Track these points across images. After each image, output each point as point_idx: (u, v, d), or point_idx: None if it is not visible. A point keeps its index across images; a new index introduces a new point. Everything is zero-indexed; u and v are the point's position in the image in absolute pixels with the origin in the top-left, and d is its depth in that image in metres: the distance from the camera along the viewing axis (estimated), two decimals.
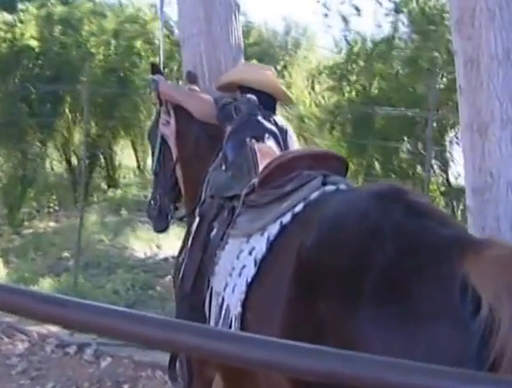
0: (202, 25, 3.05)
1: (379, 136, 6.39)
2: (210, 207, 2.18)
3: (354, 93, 7.03)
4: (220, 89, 2.81)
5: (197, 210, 2.29)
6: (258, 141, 2.29)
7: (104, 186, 10.53)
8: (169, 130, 2.72)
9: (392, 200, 1.57)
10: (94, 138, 9.21)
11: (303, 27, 12.76)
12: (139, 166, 11.98)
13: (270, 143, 2.32)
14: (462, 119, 2.55)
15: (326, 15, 11.76)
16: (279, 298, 1.63)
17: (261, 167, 2.10)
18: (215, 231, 2.10)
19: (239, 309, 1.79)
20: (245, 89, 2.69)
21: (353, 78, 7.17)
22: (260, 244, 1.82)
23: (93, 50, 9.38)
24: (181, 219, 2.83)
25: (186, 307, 2.14)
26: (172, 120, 2.73)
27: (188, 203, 2.60)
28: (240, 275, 1.84)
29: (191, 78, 2.91)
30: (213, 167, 2.35)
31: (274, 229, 1.81)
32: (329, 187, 1.85)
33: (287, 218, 1.81)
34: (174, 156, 2.71)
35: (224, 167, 2.25)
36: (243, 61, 3.22)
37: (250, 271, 1.80)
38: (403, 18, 8.93)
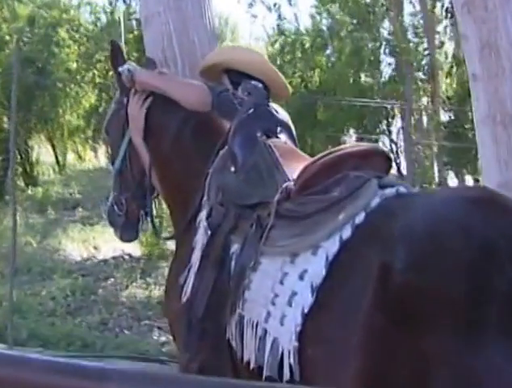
0: (169, 0, 2.59)
1: (322, 127, 6.18)
2: (222, 217, 1.78)
3: (294, 84, 6.77)
4: (200, 74, 2.39)
5: (201, 221, 1.88)
6: (269, 135, 1.92)
7: (21, 184, 9.71)
8: (136, 123, 2.23)
9: (493, 208, 1.30)
10: (8, 133, 8.40)
11: (225, 17, 12.45)
12: (58, 163, 11.22)
13: (283, 137, 1.95)
14: (478, 109, 2.32)
15: (251, 5, 11.50)
16: (355, 331, 1.34)
17: (286, 168, 1.74)
18: (236, 247, 1.71)
19: (295, 343, 1.45)
20: (233, 74, 2.30)
21: (291, 69, 6.91)
22: (315, 266, 1.48)
23: (6, 38, 8.55)
24: (169, 238, 2.39)
25: (197, 334, 1.75)
26: (139, 110, 2.23)
27: (177, 213, 2.15)
28: (290, 304, 1.49)
29: (151, 67, 2.43)
30: (215, 168, 1.93)
31: (332, 246, 1.47)
32: (389, 191, 1.53)
33: (346, 232, 1.48)
34: (144, 155, 2.23)
35: (233, 169, 1.85)
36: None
37: (306, 299, 1.46)
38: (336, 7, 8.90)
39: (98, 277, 5.98)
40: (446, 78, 10.77)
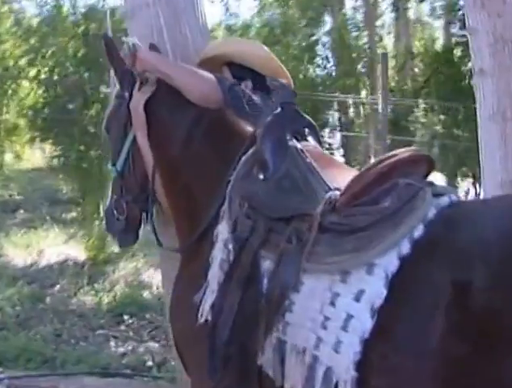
0: None
1: None
2: (250, 230, 1.58)
3: None
4: (201, 63, 2.18)
5: (219, 234, 1.67)
6: (297, 138, 1.73)
7: None
8: (139, 120, 1.99)
9: None
10: None
11: None
12: None
13: (312, 141, 1.76)
14: (485, 105, 2.23)
15: None
16: (426, 358, 1.21)
17: (324, 177, 1.56)
18: (268, 264, 1.52)
19: (353, 373, 1.30)
20: (235, 68, 2.12)
21: None
22: (373, 286, 1.32)
23: None
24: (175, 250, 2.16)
25: (221, 359, 1.56)
26: (138, 104, 1.98)
27: (183, 223, 1.94)
28: (345, 328, 1.33)
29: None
30: (238, 176, 1.71)
31: (390, 263, 1.32)
32: (443, 200, 1.40)
33: (405, 247, 1.33)
34: (148, 156, 2.01)
35: (262, 176, 1.64)
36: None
37: (365, 323, 1.31)
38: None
39: (44, 284, 5.61)
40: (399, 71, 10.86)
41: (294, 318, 1.43)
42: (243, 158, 1.72)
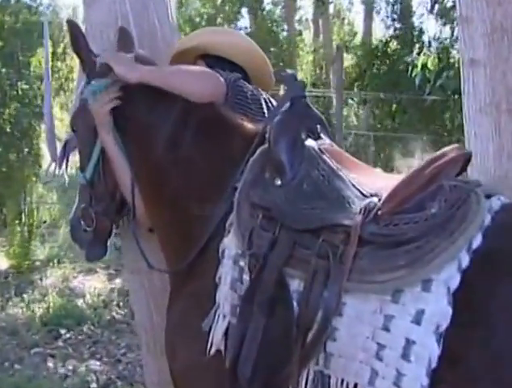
0: None
1: None
2: (269, 245, 1.35)
3: None
4: (170, 62, 1.98)
5: (226, 250, 1.43)
6: (312, 136, 1.51)
7: None
8: (103, 121, 1.73)
9: None
10: None
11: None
12: None
13: (326, 138, 1.55)
14: (476, 97, 2.11)
15: None
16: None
17: (352, 180, 1.36)
18: (297, 284, 1.31)
19: None
20: (211, 59, 1.94)
21: None
22: (435, 305, 1.14)
23: None
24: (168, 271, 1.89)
25: None
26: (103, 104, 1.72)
27: (172, 239, 1.69)
28: (407, 357, 1.14)
29: (128, 45, 1.90)
30: (246, 181, 1.47)
31: (451, 278, 1.15)
32: (495, 203, 1.24)
33: (465, 260, 1.16)
34: (119, 164, 1.74)
35: (279, 182, 1.42)
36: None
37: (431, 350, 1.13)
38: None
39: None
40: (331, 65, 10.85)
41: (339, 348, 1.22)
42: (251, 161, 1.49)
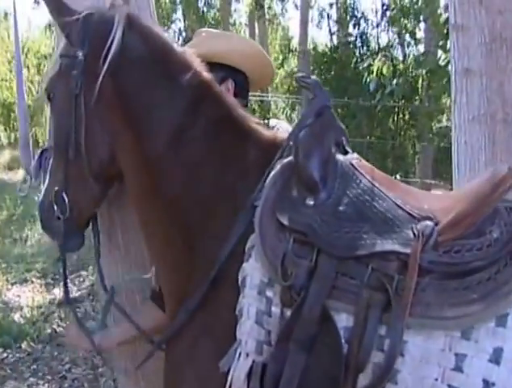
0: None
1: None
2: (306, 274, 1.17)
3: None
4: None
5: (248, 277, 1.25)
6: (338, 150, 1.35)
7: None
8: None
9: None
10: None
11: None
12: None
13: (353, 154, 1.39)
14: (469, 106, 2.03)
15: None
16: None
17: (396, 200, 1.21)
18: (344, 318, 1.14)
19: None
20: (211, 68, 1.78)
21: None
22: None
23: None
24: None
25: None
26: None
27: (170, 259, 1.46)
28: None
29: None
30: (268, 199, 1.28)
31: None
32: None
33: None
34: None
35: (311, 202, 1.24)
36: None
37: None
38: None
39: None
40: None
41: None
42: (272, 175, 1.30)
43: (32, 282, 5.58)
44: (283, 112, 9.80)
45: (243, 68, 1.85)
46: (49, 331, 4.54)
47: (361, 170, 1.28)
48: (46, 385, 3.90)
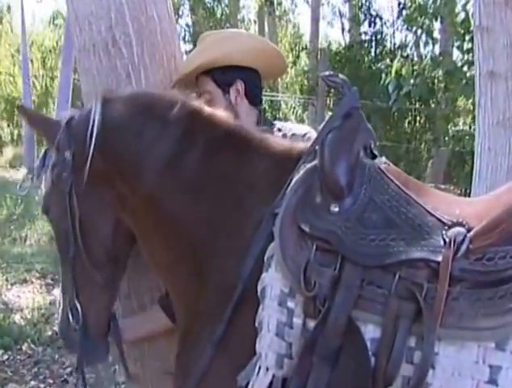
0: None
1: None
2: (332, 283, 1.15)
3: None
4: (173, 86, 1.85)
5: (268, 288, 1.22)
6: (366, 153, 1.32)
7: None
8: None
9: None
10: None
11: None
12: None
13: (382, 158, 1.37)
14: (494, 110, 2.02)
15: None
16: None
17: (426, 205, 1.19)
18: (371, 329, 1.12)
19: None
20: (218, 73, 1.86)
21: None
22: None
23: None
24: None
25: None
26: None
27: (178, 276, 1.45)
28: None
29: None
30: (290, 205, 1.25)
31: None
32: None
33: None
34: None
35: (336, 208, 1.22)
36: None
37: None
38: None
39: None
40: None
41: None
42: (294, 181, 1.28)
43: (32, 282, 5.58)
44: (293, 112, 9.77)
45: (253, 65, 1.85)
46: (50, 333, 4.53)
47: (389, 175, 1.26)
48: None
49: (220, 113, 1.50)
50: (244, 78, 1.84)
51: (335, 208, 1.21)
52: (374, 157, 1.32)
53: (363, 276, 1.14)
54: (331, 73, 1.35)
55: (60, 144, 1.52)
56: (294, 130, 1.88)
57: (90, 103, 1.55)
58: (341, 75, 1.35)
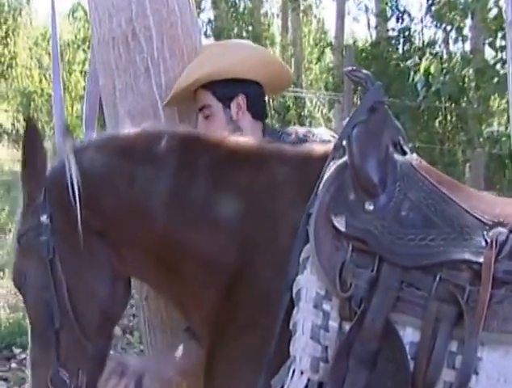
0: None
1: None
2: (370, 284, 1.15)
3: None
4: (169, 104, 1.86)
5: (303, 290, 1.23)
6: (397, 150, 1.32)
7: None
8: None
9: None
10: None
11: None
12: None
13: (412, 154, 1.37)
14: None
15: None
16: None
17: (463, 204, 1.19)
18: (410, 333, 1.12)
19: None
20: (219, 86, 1.83)
21: None
22: None
23: None
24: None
25: None
26: None
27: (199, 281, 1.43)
28: None
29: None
30: (323, 204, 1.24)
31: None
32: None
33: None
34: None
35: (371, 207, 1.22)
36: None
37: None
38: None
39: None
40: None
41: None
42: (325, 179, 1.28)
43: None
44: (318, 110, 9.76)
45: (256, 78, 1.82)
46: None
47: (422, 172, 1.26)
48: None
49: (216, 134, 1.51)
50: (246, 92, 1.80)
51: (370, 206, 1.21)
52: (404, 153, 1.33)
53: (402, 278, 1.14)
54: (354, 68, 1.36)
55: (35, 207, 1.44)
56: (320, 136, 1.83)
57: (59, 156, 1.48)
58: (364, 70, 1.36)
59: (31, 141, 1.44)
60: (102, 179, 1.43)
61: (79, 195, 1.39)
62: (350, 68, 1.37)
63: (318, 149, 1.41)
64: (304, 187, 1.29)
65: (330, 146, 1.33)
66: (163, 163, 1.41)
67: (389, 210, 1.20)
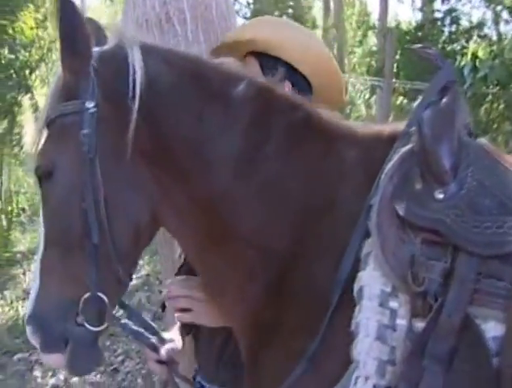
0: None
1: None
2: (444, 277, 1.07)
3: None
4: (216, 52, 1.64)
5: (366, 287, 1.12)
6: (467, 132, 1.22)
7: None
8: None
9: None
10: None
11: None
12: None
13: (482, 138, 1.28)
14: None
15: None
16: None
17: None
18: (492, 327, 1.04)
19: None
20: (265, 59, 1.62)
21: None
22: None
23: None
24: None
25: None
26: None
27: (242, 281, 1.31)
28: None
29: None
30: (386, 193, 1.14)
31: None
32: None
33: None
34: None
35: (441, 195, 1.11)
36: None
37: None
38: None
39: None
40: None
41: None
42: (389, 167, 1.18)
43: None
44: (360, 96, 9.58)
45: (301, 67, 1.62)
46: None
47: (495, 156, 1.16)
48: (98, 375, 3.93)
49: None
50: (293, 82, 1.61)
51: (440, 195, 1.11)
52: (474, 137, 1.24)
53: (479, 269, 1.06)
54: (426, 45, 1.27)
55: (80, 87, 1.25)
56: None
57: (115, 39, 1.28)
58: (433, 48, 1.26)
59: (67, 10, 1.22)
60: (167, 100, 1.26)
61: (140, 97, 1.21)
62: (421, 46, 1.28)
63: (388, 130, 1.31)
64: (372, 172, 1.20)
65: (400, 127, 1.23)
66: (237, 112, 1.27)
67: (462, 197, 1.11)
